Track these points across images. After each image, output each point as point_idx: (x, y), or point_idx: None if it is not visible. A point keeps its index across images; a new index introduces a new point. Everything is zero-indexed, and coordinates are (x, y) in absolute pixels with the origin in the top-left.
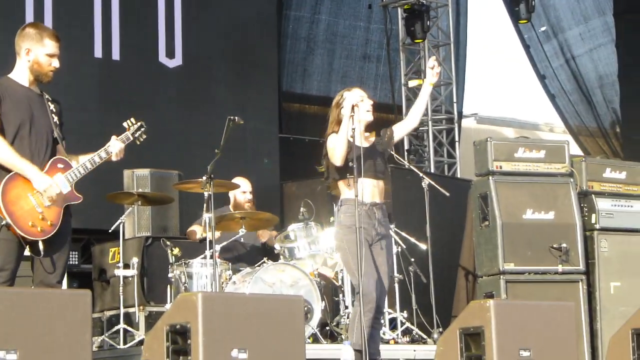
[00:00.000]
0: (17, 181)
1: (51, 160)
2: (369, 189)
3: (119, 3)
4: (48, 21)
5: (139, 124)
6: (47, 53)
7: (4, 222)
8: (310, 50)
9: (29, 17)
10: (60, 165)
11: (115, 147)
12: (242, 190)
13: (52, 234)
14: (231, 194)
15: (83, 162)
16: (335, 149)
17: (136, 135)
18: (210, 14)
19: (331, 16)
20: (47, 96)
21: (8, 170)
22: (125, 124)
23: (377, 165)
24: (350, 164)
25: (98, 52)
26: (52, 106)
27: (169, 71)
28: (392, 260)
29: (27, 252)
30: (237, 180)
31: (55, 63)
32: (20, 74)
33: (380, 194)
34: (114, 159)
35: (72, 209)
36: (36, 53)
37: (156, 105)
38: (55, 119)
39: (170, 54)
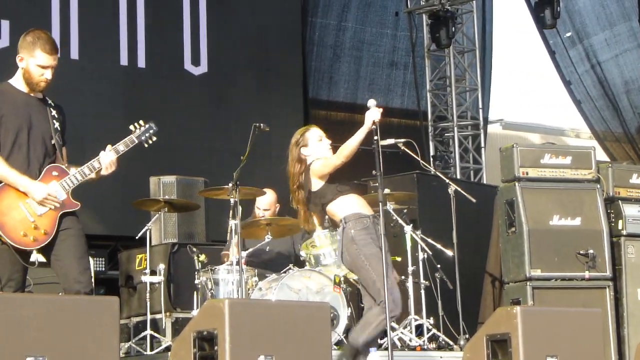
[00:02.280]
0: (8, 191)
1: (45, 168)
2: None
3: (145, 11)
4: (74, 29)
5: (147, 125)
6: (38, 64)
7: None
8: (337, 57)
9: (55, 24)
10: (54, 173)
11: (104, 159)
12: (257, 206)
13: (47, 242)
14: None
15: (77, 171)
16: (344, 150)
17: (143, 138)
18: (235, 21)
19: (358, 24)
20: (49, 101)
21: None
22: (131, 127)
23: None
24: (374, 172)
25: (124, 60)
26: (53, 112)
27: (194, 78)
28: None
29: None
30: (259, 195)
31: (47, 75)
32: (19, 80)
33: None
34: (103, 172)
35: (98, 216)
36: (27, 62)
37: (181, 112)
38: (57, 124)
39: (196, 61)
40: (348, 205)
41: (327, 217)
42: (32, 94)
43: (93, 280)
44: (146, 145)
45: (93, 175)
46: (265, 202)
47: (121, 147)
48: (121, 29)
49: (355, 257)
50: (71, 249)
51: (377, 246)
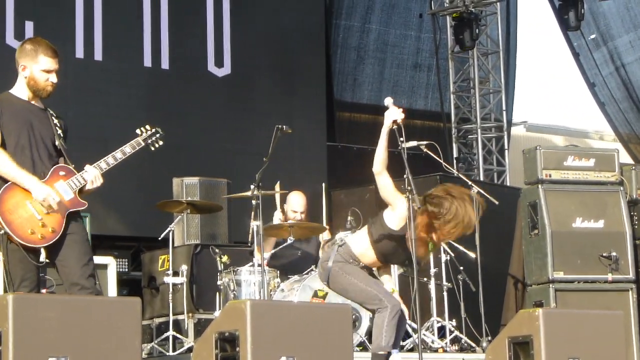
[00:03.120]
0: (15, 190)
1: (52, 168)
2: None
3: (168, 13)
4: (98, 30)
5: (154, 129)
6: (42, 69)
7: (2, 232)
8: (361, 59)
9: (79, 26)
10: (62, 173)
11: (89, 174)
12: (292, 209)
13: (55, 240)
14: (285, 207)
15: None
16: (376, 159)
17: (149, 141)
18: (259, 23)
19: (382, 25)
20: (51, 112)
21: (5, 180)
22: (137, 130)
23: None
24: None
25: (147, 62)
26: (55, 120)
27: (217, 80)
28: None
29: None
30: (293, 195)
31: (53, 78)
32: (20, 90)
33: None
34: (88, 186)
35: (121, 217)
36: (31, 69)
37: (205, 113)
38: (59, 132)
39: (219, 63)
40: None
41: (350, 218)
42: (33, 102)
43: (115, 281)
44: (152, 149)
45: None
46: (300, 204)
47: (119, 154)
48: (145, 31)
49: (341, 278)
50: (76, 255)
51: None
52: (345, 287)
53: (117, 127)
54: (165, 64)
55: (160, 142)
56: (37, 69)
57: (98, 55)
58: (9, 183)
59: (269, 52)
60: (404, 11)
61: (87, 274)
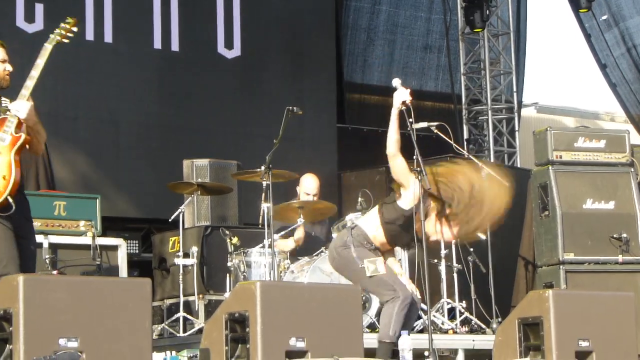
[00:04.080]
0: None
1: None
2: None
3: None
4: (108, 13)
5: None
6: None
7: None
8: (371, 40)
9: (89, 8)
10: None
11: (13, 107)
12: (305, 192)
13: (11, 186)
14: (298, 189)
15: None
16: (389, 141)
17: (58, 37)
18: (268, 4)
19: (392, 7)
20: (3, 98)
21: None
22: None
23: None
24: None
25: (157, 44)
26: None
27: (227, 62)
28: None
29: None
30: (306, 177)
31: (8, 67)
32: None
33: None
34: (22, 117)
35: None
36: None
37: (215, 96)
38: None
39: (229, 45)
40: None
41: (360, 199)
42: None
43: (126, 263)
44: (66, 41)
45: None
46: (313, 187)
47: (33, 72)
48: (155, 13)
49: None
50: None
51: None
52: (359, 274)
53: (127, 109)
54: (175, 46)
55: (70, 34)
56: None
57: (108, 38)
58: None
59: (278, 34)
60: None
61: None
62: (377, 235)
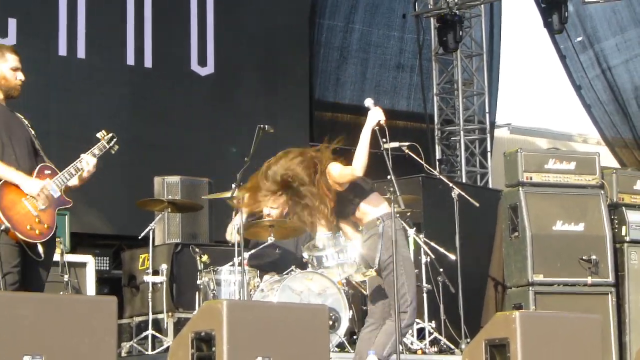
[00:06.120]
0: (9, 187)
1: (38, 167)
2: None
3: (152, 11)
4: (81, 28)
5: (110, 135)
6: (11, 67)
7: (2, 227)
8: (344, 59)
9: (62, 23)
10: (47, 172)
11: (87, 161)
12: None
13: (50, 236)
14: None
15: (65, 170)
16: (360, 160)
17: (110, 144)
18: (242, 22)
19: (365, 25)
20: (17, 114)
21: None
22: (98, 135)
23: None
24: (389, 176)
25: (130, 60)
26: (26, 122)
27: (200, 79)
28: None
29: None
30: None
31: (20, 76)
32: None
33: None
34: (85, 174)
35: (103, 215)
36: (1, 69)
37: (187, 112)
38: (32, 132)
39: (202, 61)
40: (381, 203)
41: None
42: (3, 104)
43: (94, 279)
44: (113, 152)
45: (76, 182)
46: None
47: (96, 151)
48: (128, 29)
49: (392, 257)
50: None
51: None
52: (391, 270)
53: (99, 125)
54: (148, 63)
55: (117, 147)
56: (6, 67)
57: (81, 53)
58: (2, 181)
59: (252, 51)
60: (387, 11)
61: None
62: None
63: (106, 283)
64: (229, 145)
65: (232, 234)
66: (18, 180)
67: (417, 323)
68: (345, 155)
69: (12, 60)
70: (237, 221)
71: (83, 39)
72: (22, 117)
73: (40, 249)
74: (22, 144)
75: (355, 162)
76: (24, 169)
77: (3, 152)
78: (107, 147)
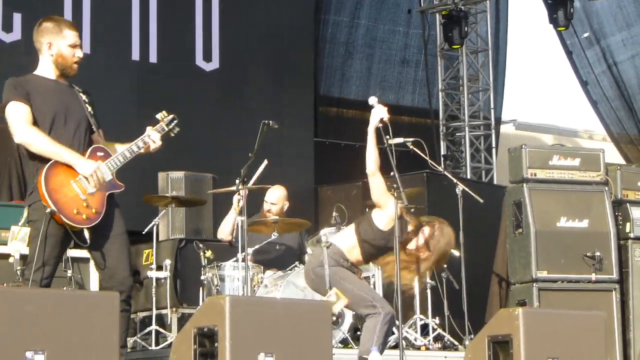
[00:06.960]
0: (58, 169)
1: (91, 148)
2: None
3: (157, 6)
4: (86, 24)
5: (171, 116)
6: (69, 44)
7: (48, 210)
8: (349, 54)
9: (67, 18)
10: (100, 154)
11: (153, 136)
12: (265, 200)
13: (98, 221)
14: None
15: (122, 151)
16: (369, 161)
17: (170, 126)
18: (248, 17)
19: (370, 21)
20: (77, 88)
21: (46, 160)
22: (158, 116)
23: None
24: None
25: (135, 55)
26: (84, 97)
27: (205, 74)
28: None
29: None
30: (271, 188)
31: (79, 53)
32: (46, 69)
33: None
34: (152, 149)
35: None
36: (58, 46)
37: (192, 108)
38: (90, 109)
39: (208, 57)
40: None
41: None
42: (60, 80)
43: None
44: (172, 135)
45: (142, 151)
46: (273, 196)
47: (159, 130)
48: (133, 24)
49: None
50: (123, 251)
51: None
52: (357, 300)
53: (104, 120)
54: (153, 58)
55: (178, 129)
56: (64, 44)
57: (86, 48)
58: (51, 161)
59: (257, 47)
60: (392, 7)
61: (129, 272)
62: (354, 253)
63: None
64: (233, 140)
65: (222, 231)
66: (72, 160)
67: (421, 319)
68: (351, 151)
69: (71, 36)
70: (231, 219)
71: (88, 34)
72: (81, 92)
73: (86, 234)
74: (78, 125)
75: (367, 165)
76: (77, 152)
77: (57, 135)
78: (167, 129)
